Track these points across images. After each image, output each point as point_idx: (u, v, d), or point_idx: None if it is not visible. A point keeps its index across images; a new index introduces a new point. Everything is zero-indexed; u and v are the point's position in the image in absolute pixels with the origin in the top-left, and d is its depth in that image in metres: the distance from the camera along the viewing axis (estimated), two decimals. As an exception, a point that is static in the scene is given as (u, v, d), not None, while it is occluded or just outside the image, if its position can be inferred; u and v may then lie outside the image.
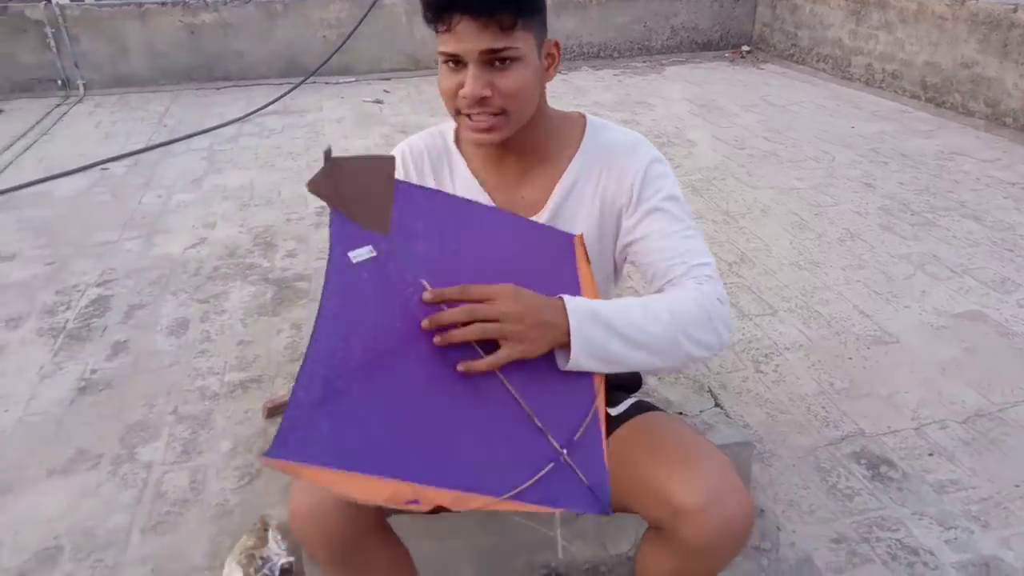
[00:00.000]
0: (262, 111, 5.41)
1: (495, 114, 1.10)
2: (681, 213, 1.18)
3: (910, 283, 2.86)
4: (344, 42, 6.32)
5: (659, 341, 1.02)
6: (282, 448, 0.82)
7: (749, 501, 1.03)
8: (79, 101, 5.81)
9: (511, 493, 0.90)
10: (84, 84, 5.98)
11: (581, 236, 1.19)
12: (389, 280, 0.99)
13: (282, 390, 2.25)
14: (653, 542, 1.13)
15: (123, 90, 6.07)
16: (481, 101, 1.08)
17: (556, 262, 1.15)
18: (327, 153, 0.98)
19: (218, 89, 6.14)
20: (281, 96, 5.68)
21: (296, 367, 2.34)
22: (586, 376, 1.02)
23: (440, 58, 1.10)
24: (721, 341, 1.07)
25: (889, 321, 2.60)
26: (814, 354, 2.42)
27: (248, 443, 2.04)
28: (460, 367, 0.96)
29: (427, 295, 0.98)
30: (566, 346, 0.99)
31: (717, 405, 1.73)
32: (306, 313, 2.70)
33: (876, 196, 3.73)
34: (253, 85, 6.19)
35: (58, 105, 5.69)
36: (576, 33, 6.92)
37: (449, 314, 0.97)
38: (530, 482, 0.92)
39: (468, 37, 1.04)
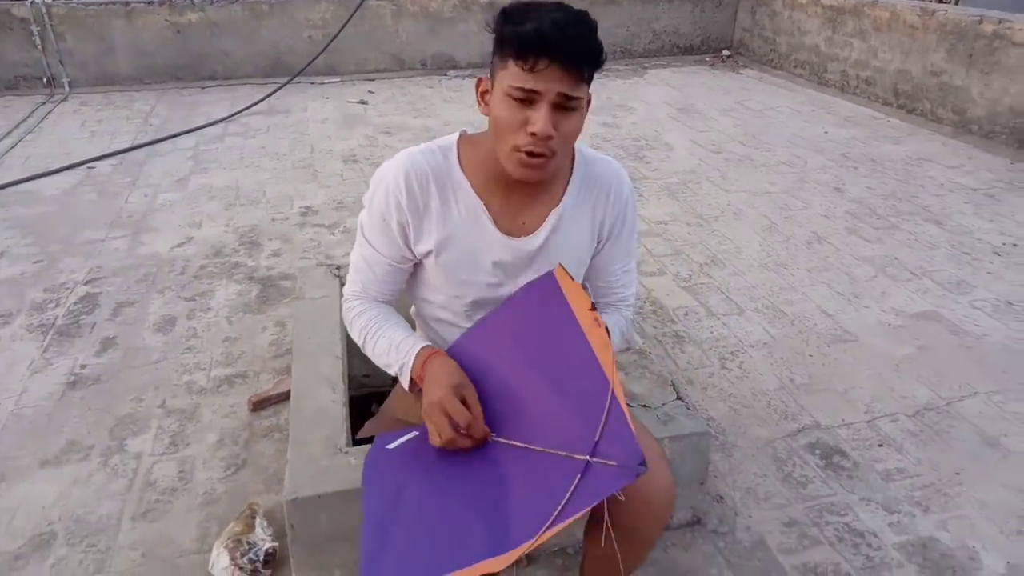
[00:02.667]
0: (247, 111, 5.47)
1: (547, 155, 1.16)
2: (635, 248, 1.42)
3: (871, 284, 2.99)
4: (330, 43, 6.39)
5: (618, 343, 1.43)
6: None
7: (669, 482, 1.16)
8: (64, 99, 5.84)
9: (548, 523, 1.01)
10: (69, 82, 6.01)
11: (560, 266, 1.27)
12: (425, 443, 1.21)
13: (266, 385, 2.33)
14: (591, 528, 1.27)
15: (108, 88, 6.10)
16: (544, 139, 1.13)
17: (548, 305, 1.24)
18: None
19: (203, 88, 6.18)
20: (266, 96, 5.74)
21: (280, 363, 2.44)
22: (596, 370, 1.13)
23: (508, 91, 1.12)
24: (635, 343, 1.49)
25: (849, 320, 2.73)
26: (777, 351, 2.54)
27: (234, 435, 2.13)
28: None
29: None
30: None
31: (679, 398, 1.83)
32: (290, 311, 2.78)
33: (844, 200, 3.86)
34: (239, 85, 6.24)
35: (43, 103, 5.71)
36: (559, 36, 7.00)
37: None
38: (563, 502, 1.02)
39: (550, 80, 1.09)
